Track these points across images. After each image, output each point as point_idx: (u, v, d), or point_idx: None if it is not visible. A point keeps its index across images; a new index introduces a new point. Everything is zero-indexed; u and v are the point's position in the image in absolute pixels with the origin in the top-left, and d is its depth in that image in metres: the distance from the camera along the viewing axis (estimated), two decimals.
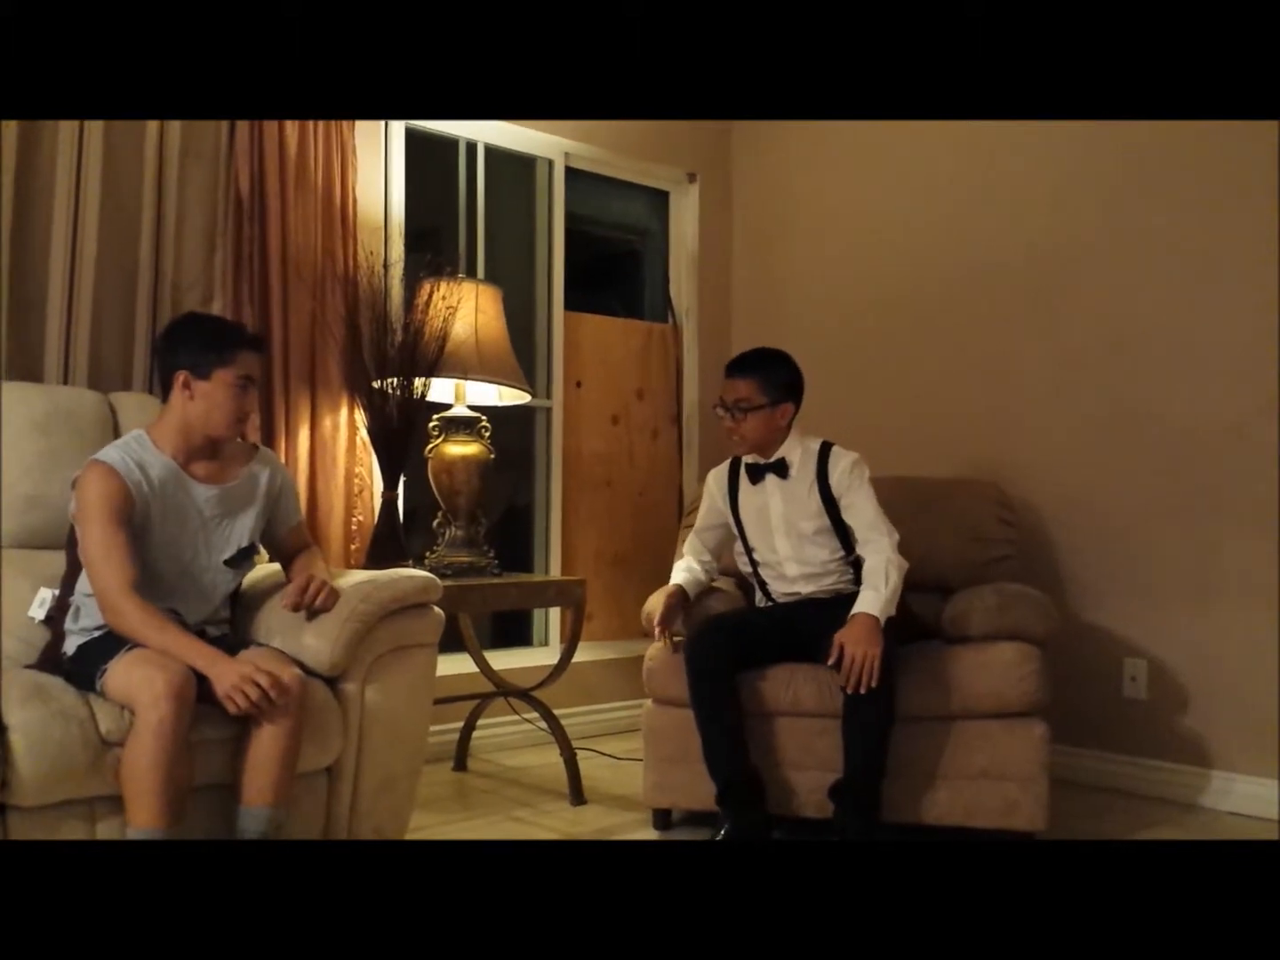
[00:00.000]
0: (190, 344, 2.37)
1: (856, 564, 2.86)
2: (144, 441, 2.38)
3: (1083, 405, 3.60)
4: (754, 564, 3.00)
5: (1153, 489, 3.43)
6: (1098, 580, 3.55)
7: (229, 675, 2.13)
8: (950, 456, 3.85)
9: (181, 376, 2.36)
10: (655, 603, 2.94)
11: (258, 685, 2.12)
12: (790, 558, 2.92)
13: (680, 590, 2.94)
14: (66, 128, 2.96)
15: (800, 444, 2.92)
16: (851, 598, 2.74)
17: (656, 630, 2.87)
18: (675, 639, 2.92)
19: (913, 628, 2.88)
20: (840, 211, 4.32)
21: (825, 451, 2.89)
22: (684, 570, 3.00)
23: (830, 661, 2.60)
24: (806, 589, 2.92)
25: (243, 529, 2.46)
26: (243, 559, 2.49)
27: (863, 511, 2.82)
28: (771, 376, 2.87)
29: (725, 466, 3.06)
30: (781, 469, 2.91)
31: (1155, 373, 3.43)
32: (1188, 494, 3.35)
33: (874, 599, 2.67)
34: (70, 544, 2.42)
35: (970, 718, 2.76)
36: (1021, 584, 3.05)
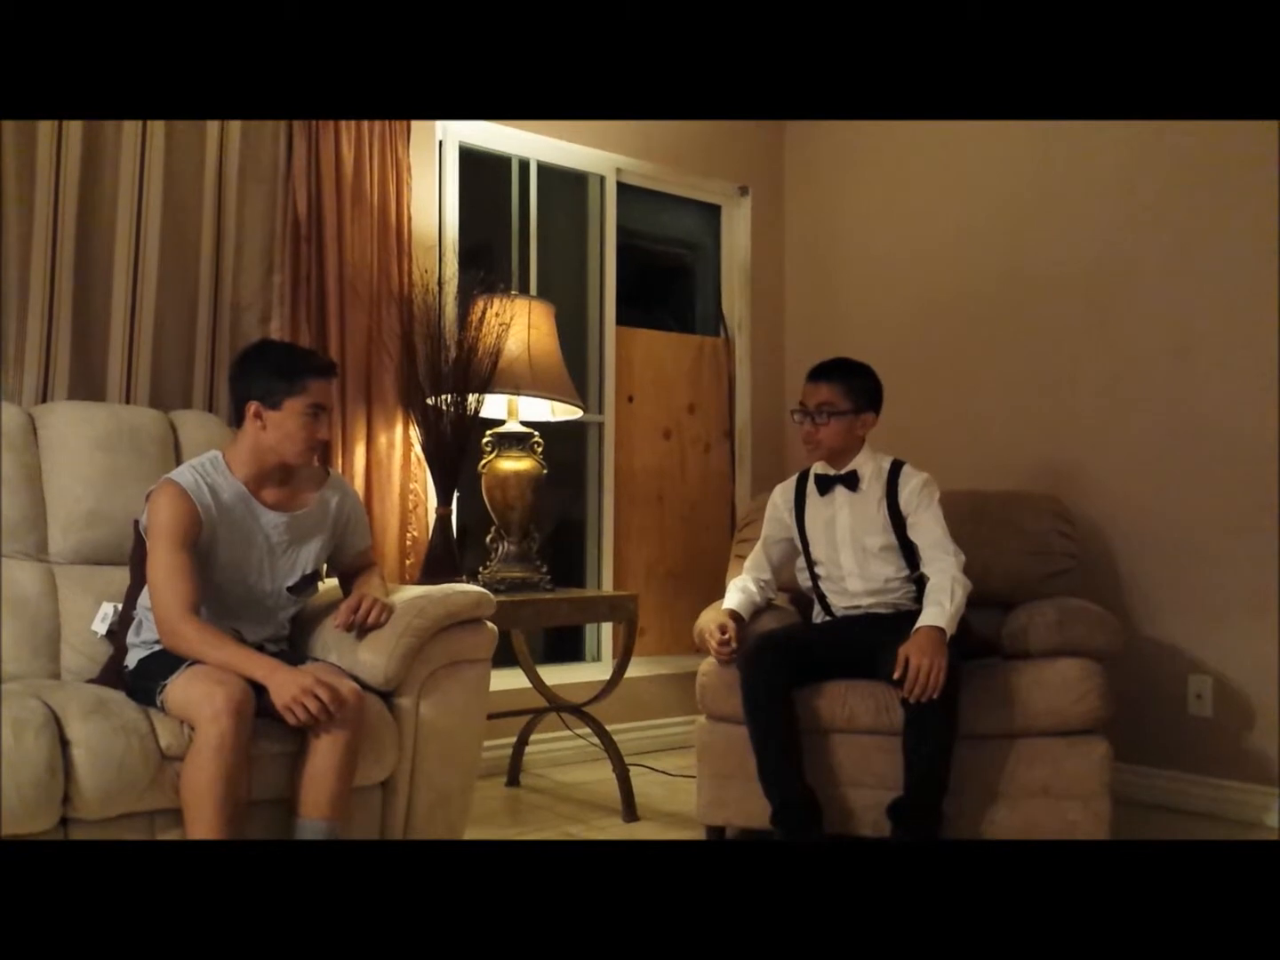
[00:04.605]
0: (260, 373, 2.38)
1: (919, 583, 2.83)
2: (219, 464, 2.40)
3: (1143, 416, 3.53)
4: (815, 577, 2.98)
5: (1216, 501, 3.36)
6: (1161, 594, 3.48)
7: (289, 687, 2.14)
8: (1008, 469, 3.79)
9: (253, 407, 2.37)
10: (708, 621, 2.92)
11: (317, 698, 2.13)
12: (854, 573, 2.90)
13: (735, 614, 2.92)
14: (128, 152, 3.02)
15: (872, 459, 2.92)
16: (911, 614, 2.71)
17: (716, 642, 2.84)
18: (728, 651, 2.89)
19: (973, 644, 2.84)
20: (893, 223, 4.29)
21: (896, 470, 2.90)
22: (738, 591, 2.98)
23: (896, 675, 2.56)
24: (867, 602, 2.90)
25: (308, 556, 2.48)
26: (306, 585, 2.50)
27: (929, 530, 2.81)
28: (856, 384, 2.90)
29: (792, 481, 3.06)
30: (852, 481, 2.90)
31: (1217, 383, 3.36)
32: (1253, 505, 3.27)
33: (939, 613, 2.64)
34: (134, 558, 2.45)
35: (1030, 735, 2.71)
36: (1082, 599, 3.00)
